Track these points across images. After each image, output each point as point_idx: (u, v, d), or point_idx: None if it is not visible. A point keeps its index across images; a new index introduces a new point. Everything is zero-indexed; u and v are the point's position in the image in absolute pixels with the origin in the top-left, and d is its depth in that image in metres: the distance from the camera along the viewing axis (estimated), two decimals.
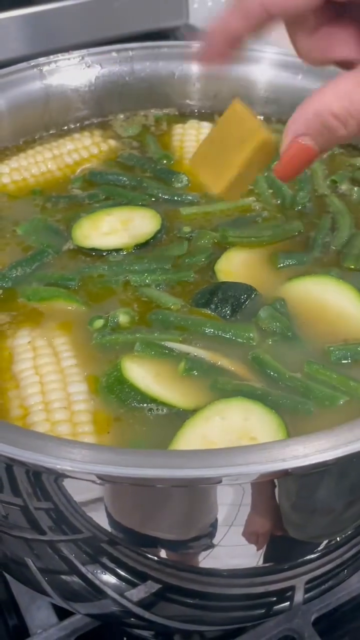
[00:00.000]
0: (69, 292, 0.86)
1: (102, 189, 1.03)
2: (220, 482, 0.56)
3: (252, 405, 0.69)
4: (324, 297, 0.84)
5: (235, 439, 0.66)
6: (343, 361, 0.76)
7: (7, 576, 0.92)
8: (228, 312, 0.82)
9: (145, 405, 0.72)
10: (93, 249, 0.91)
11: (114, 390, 0.73)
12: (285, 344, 0.79)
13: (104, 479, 0.56)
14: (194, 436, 0.67)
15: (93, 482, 0.59)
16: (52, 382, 0.74)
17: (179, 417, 0.70)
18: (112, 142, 1.14)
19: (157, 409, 0.71)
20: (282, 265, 0.89)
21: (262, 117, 1.18)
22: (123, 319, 0.81)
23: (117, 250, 0.91)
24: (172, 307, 0.83)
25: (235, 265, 0.89)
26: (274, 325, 0.79)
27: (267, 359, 0.75)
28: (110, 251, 0.91)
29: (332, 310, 0.82)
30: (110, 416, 0.72)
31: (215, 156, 0.63)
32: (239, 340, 0.79)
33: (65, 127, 1.18)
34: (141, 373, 0.74)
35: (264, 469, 0.52)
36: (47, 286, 0.86)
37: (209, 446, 0.66)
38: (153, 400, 0.72)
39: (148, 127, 1.19)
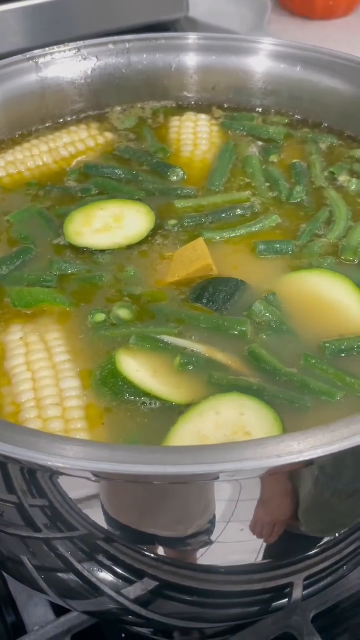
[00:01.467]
0: (54, 292, 0.84)
1: (97, 181, 1.03)
2: (217, 478, 0.55)
3: (247, 401, 0.69)
4: (319, 290, 0.83)
5: (230, 433, 0.66)
6: (340, 355, 0.76)
7: (5, 574, 0.92)
8: (220, 304, 0.81)
9: (138, 399, 0.72)
10: (84, 248, 0.91)
11: (108, 384, 0.73)
12: (279, 338, 0.78)
13: (96, 475, 0.55)
14: (188, 431, 0.67)
15: (87, 478, 0.58)
16: (45, 378, 0.73)
17: (173, 410, 0.70)
18: (109, 135, 1.14)
19: (150, 403, 0.71)
20: (261, 255, 0.89)
21: (260, 109, 1.18)
22: (123, 313, 0.80)
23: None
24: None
25: (226, 260, 0.89)
26: (267, 318, 0.79)
27: (262, 353, 0.75)
28: (102, 250, 0.90)
29: (327, 303, 0.82)
30: (103, 410, 0.71)
31: (177, 264, 0.87)
32: (234, 332, 0.78)
33: (62, 120, 1.17)
34: (135, 366, 0.74)
35: (258, 465, 0.52)
36: (29, 286, 0.85)
37: (202, 441, 0.65)
38: (146, 394, 0.71)
39: (145, 119, 1.18)
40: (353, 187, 1.01)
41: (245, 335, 0.78)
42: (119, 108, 1.19)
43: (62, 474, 0.58)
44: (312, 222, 0.94)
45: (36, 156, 1.07)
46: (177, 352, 0.76)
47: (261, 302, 0.80)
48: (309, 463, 0.53)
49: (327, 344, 0.76)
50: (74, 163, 1.08)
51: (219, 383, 0.72)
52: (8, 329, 0.80)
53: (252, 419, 0.67)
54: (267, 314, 0.79)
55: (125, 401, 0.72)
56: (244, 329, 0.78)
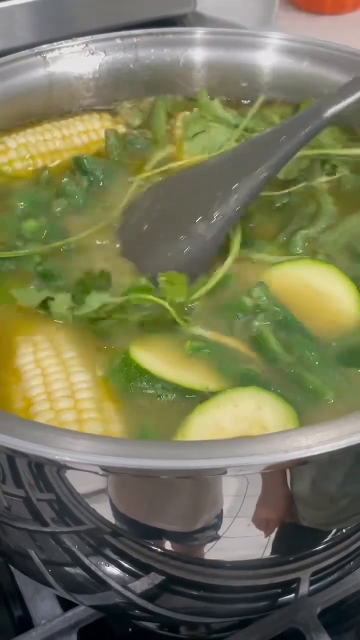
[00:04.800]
0: None
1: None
2: (225, 473, 0.55)
3: (266, 395, 0.69)
4: (307, 281, 0.83)
5: (247, 426, 0.66)
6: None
7: (13, 568, 0.92)
8: None
9: (153, 388, 0.72)
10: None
11: (122, 372, 0.73)
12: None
13: (104, 469, 0.55)
14: (205, 421, 0.67)
15: (95, 473, 0.58)
16: (54, 374, 0.74)
17: (189, 402, 0.70)
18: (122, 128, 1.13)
19: (166, 395, 0.71)
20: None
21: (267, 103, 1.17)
22: None
23: None
24: None
25: None
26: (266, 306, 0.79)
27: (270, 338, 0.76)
28: None
29: (317, 295, 0.82)
30: (118, 402, 0.71)
31: None
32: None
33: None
34: (149, 356, 0.74)
35: (265, 460, 0.52)
36: None
37: (219, 432, 0.65)
38: (160, 380, 0.71)
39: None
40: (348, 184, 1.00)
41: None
42: (128, 105, 1.19)
43: (70, 468, 0.58)
44: (296, 220, 0.94)
45: (49, 141, 1.06)
46: (187, 339, 0.76)
47: (257, 291, 0.80)
48: (316, 459, 0.52)
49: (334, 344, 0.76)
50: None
51: (231, 371, 0.73)
52: (16, 329, 0.80)
53: (269, 414, 0.67)
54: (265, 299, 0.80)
55: (140, 392, 0.72)
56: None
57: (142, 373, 0.72)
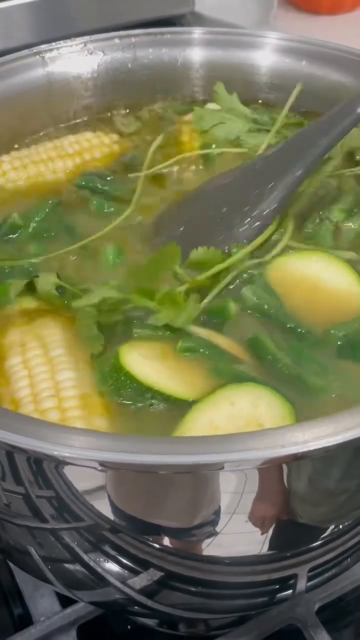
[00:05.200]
0: None
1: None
2: (222, 468, 0.55)
3: (263, 392, 0.68)
4: (314, 274, 0.82)
5: (244, 425, 0.66)
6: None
7: (12, 565, 0.93)
8: None
9: (144, 397, 0.71)
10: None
11: (111, 379, 0.72)
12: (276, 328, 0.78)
13: (103, 465, 0.56)
14: (201, 421, 0.67)
15: (94, 468, 0.58)
16: (41, 374, 0.74)
17: (183, 409, 0.69)
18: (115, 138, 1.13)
19: (158, 404, 0.70)
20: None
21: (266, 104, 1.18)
22: None
23: None
24: None
25: None
26: (257, 303, 0.79)
27: (266, 342, 0.75)
28: None
29: (326, 289, 0.81)
30: (103, 400, 0.71)
31: None
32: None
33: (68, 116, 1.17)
34: (139, 360, 0.73)
35: (262, 455, 0.52)
36: None
37: (214, 432, 0.65)
38: (150, 389, 0.70)
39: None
40: None
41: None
42: (123, 112, 1.19)
43: (68, 463, 0.58)
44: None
45: (44, 160, 1.06)
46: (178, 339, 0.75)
47: (250, 288, 0.80)
48: (313, 454, 0.53)
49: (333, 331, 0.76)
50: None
51: (224, 372, 0.72)
52: (6, 332, 0.80)
53: (266, 411, 0.67)
54: (256, 299, 0.79)
55: (130, 397, 0.71)
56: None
57: (132, 381, 0.71)
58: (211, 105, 1.15)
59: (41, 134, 1.15)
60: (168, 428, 0.67)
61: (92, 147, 1.10)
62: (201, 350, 0.75)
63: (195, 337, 0.76)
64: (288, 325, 0.78)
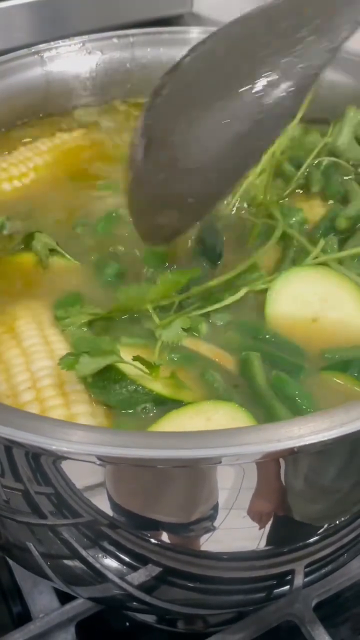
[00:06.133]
0: None
1: None
2: (219, 462, 0.56)
3: (240, 414, 0.67)
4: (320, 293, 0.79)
5: None
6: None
7: (11, 562, 0.93)
8: None
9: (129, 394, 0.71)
10: None
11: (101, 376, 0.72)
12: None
13: (101, 459, 0.56)
14: (174, 426, 0.66)
15: (92, 463, 0.59)
16: (17, 366, 0.74)
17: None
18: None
19: (147, 409, 0.70)
20: None
21: None
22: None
23: None
24: None
25: None
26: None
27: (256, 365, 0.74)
28: None
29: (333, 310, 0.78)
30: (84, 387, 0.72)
31: None
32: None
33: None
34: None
35: (259, 449, 0.52)
36: None
37: None
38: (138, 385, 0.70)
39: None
40: None
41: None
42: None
43: (66, 458, 0.58)
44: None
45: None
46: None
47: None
48: (308, 448, 0.53)
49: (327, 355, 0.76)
50: None
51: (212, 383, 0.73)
52: None
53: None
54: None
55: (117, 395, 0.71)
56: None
57: (122, 377, 0.70)
58: None
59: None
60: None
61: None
62: (186, 361, 0.75)
63: (182, 347, 0.76)
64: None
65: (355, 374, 0.73)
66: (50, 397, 0.70)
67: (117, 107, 1.19)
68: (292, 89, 0.59)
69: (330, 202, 0.98)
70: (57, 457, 0.59)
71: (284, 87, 0.59)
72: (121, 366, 0.70)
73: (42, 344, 0.75)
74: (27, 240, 0.90)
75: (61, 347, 0.75)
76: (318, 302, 0.78)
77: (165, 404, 0.70)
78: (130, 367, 0.70)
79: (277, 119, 0.62)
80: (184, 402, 0.70)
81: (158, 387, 0.70)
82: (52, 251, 0.89)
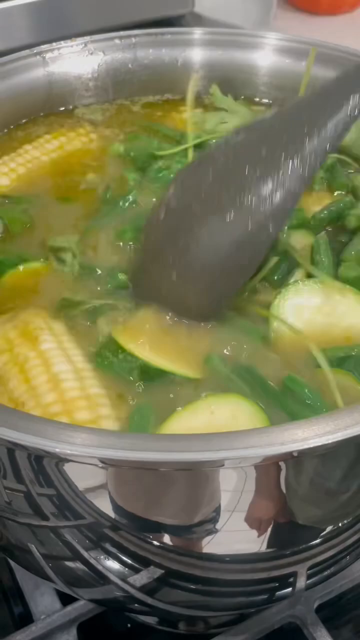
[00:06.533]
0: None
1: None
2: (222, 465, 0.56)
3: (245, 405, 0.68)
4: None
5: None
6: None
7: (12, 563, 0.93)
8: None
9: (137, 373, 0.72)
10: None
11: (106, 359, 0.73)
12: None
13: (103, 462, 0.56)
14: (179, 429, 0.67)
15: (95, 465, 0.59)
16: (35, 367, 0.74)
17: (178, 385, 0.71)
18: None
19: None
20: None
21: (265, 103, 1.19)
22: None
23: None
24: None
25: None
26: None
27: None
28: None
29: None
30: (108, 389, 0.72)
31: None
32: None
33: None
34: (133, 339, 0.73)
35: (263, 453, 0.52)
36: None
37: None
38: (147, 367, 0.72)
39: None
40: None
41: None
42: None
43: (69, 461, 0.58)
44: None
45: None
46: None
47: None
48: (313, 451, 0.53)
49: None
50: None
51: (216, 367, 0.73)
52: None
53: (244, 425, 0.66)
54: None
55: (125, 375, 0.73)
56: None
57: (127, 354, 0.72)
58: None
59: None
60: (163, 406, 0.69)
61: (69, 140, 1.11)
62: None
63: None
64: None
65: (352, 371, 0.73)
66: (75, 398, 0.70)
67: (119, 108, 1.19)
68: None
69: (337, 192, 0.98)
70: (60, 460, 0.59)
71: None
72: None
73: (58, 348, 0.75)
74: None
75: (77, 353, 0.76)
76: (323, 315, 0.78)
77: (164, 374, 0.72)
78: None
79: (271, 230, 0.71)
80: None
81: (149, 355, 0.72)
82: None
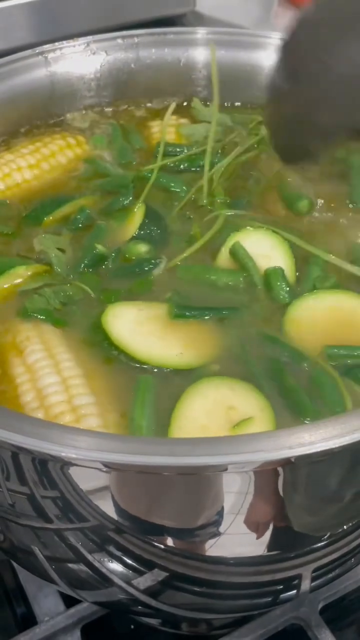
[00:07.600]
0: None
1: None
2: (226, 469, 0.55)
3: (237, 385, 0.69)
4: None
5: (223, 414, 0.67)
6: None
7: (15, 565, 0.93)
8: None
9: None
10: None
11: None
12: None
13: (107, 466, 0.56)
14: (188, 428, 0.67)
15: (99, 469, 0.58)
16: (44, 368, 0.74)
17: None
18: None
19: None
20: None
21: None
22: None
23: None
24: None
25: None
26: None
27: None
28: None
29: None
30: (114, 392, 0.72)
31: None
32: None
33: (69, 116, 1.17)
34: (124, 323, 0.74)
35: (270, 457, 0.52)
36: None
37: (204, 431, 0.66)
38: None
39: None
40: None
41: None
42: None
43: (73, 464, 0.58)
44: None
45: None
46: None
47: None
48: (320, 455, 0.53)
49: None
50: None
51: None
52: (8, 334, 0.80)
53: (240, 401, 0.67)
54: None
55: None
56: None
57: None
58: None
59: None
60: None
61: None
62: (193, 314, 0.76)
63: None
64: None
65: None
66: (85, 405, 0.70)
67: (120, 108, 1.19)
68: None
69: None
70: (65, 463, 0.58)
71: None
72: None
73: (71, 359, 0.75)
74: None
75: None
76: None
77: None
78: None
79: None
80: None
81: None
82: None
